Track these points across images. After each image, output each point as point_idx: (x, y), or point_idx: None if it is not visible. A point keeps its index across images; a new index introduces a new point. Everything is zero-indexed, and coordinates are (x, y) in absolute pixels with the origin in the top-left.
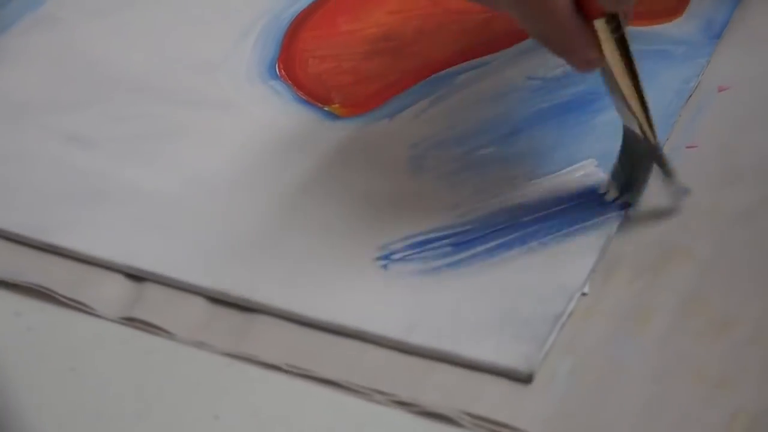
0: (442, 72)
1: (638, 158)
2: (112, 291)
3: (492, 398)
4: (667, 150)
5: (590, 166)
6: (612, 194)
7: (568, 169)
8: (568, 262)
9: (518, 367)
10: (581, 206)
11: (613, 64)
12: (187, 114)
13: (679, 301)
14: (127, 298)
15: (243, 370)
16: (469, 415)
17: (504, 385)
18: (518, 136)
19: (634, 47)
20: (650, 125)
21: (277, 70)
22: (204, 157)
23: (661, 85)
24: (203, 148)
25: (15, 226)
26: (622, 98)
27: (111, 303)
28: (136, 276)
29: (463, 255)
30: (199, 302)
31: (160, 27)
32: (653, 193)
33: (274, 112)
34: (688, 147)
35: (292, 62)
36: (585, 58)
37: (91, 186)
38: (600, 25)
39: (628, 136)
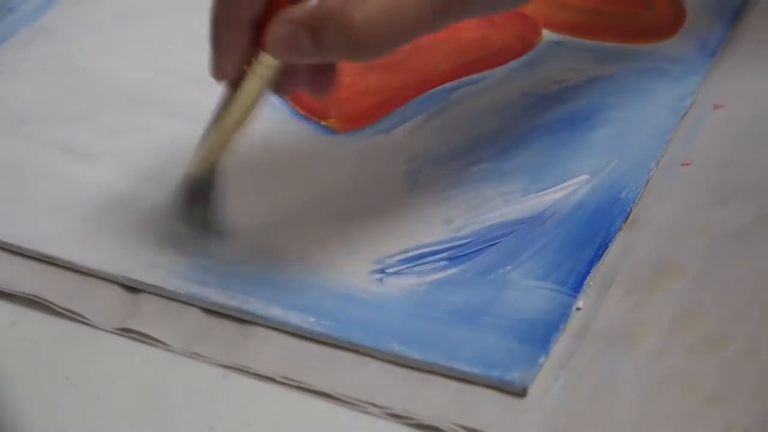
0: (438, 88)
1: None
2: (108, 302)
3: (486, 411)
4: (661, 168)
5: (583, 182)
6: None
7: (562, 184)
8: (563, 276)
9: (512, 381)
10: (575, 221)
11: (241, 93)
12: (185, 127)
13: (673, 318)
14: (123, 309)
15: (238, 381)
16: (463, 427)
17: (498, 398)
18: (512, 151)
19: (632, 65)
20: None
21: None
22: None
23: (656, 103)
24: None
25: (11, 236)
26: (220, 123)
27: (107, 314)
28: (132, 287)
29: (457, 269)
30: (195, 314)
31: (157, 40)
32: (650, 208)
33: (270, 126)
34: (683, 164)
35: None
36: (219, 64)
37: (87, 198)
38: (262, 59)
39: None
